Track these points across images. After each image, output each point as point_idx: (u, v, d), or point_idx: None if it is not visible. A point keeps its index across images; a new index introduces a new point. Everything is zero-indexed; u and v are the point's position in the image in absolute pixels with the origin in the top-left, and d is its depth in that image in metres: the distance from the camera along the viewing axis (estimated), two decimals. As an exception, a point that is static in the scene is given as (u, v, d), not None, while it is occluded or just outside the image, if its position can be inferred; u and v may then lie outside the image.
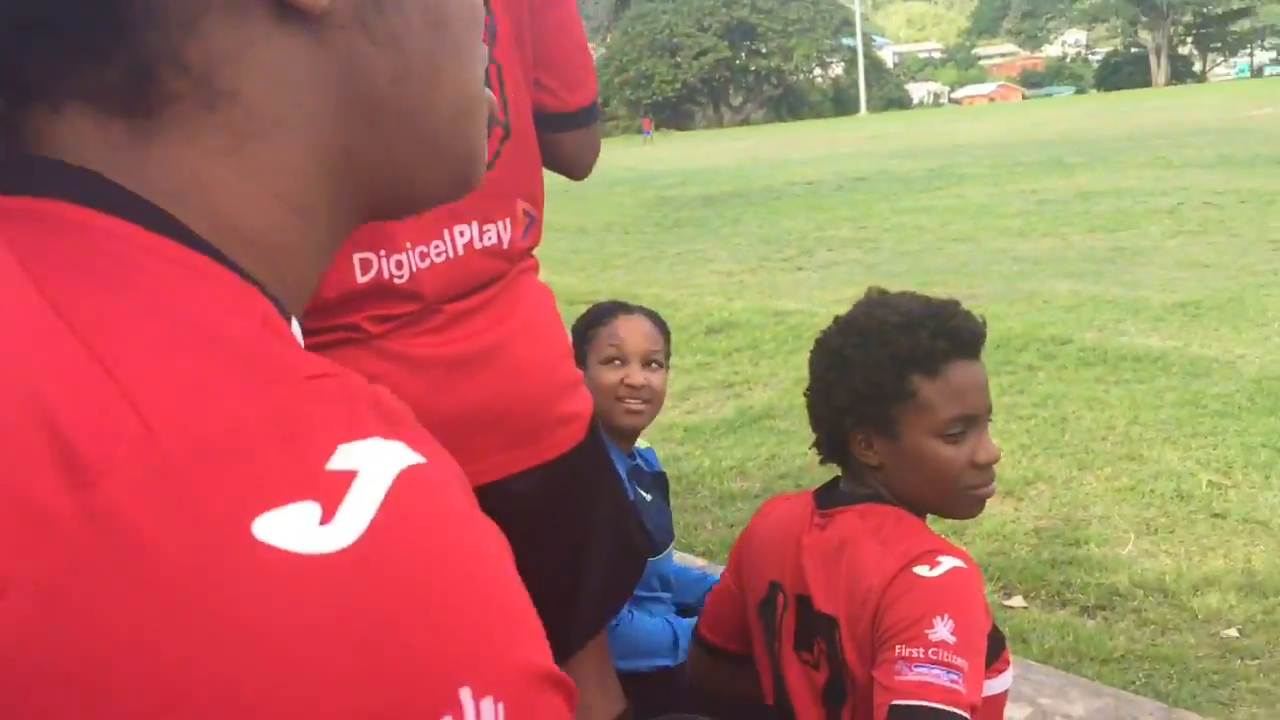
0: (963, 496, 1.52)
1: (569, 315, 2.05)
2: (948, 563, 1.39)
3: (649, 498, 2.25)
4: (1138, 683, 2.77)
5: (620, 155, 32.43)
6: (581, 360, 2.16)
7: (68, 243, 0.39)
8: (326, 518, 0.34)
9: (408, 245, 1.39)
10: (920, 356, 1.48)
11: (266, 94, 0.44)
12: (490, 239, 1.46)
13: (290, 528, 0.33)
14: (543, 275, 1.64)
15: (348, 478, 0.35)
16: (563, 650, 1.52)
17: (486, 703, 0.34)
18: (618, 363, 2.19)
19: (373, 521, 0.34)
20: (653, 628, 2.14)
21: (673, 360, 2.44)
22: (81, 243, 0.40)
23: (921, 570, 1.39)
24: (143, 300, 0.38)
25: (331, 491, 0.34)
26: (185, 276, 0.40)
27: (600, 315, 2.28)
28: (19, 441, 0.34)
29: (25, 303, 0.37)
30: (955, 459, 1.49)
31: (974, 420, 1.50)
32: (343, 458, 0.35)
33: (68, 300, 0.37)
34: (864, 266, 9.27)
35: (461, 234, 1.43)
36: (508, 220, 1.48)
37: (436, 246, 1.41)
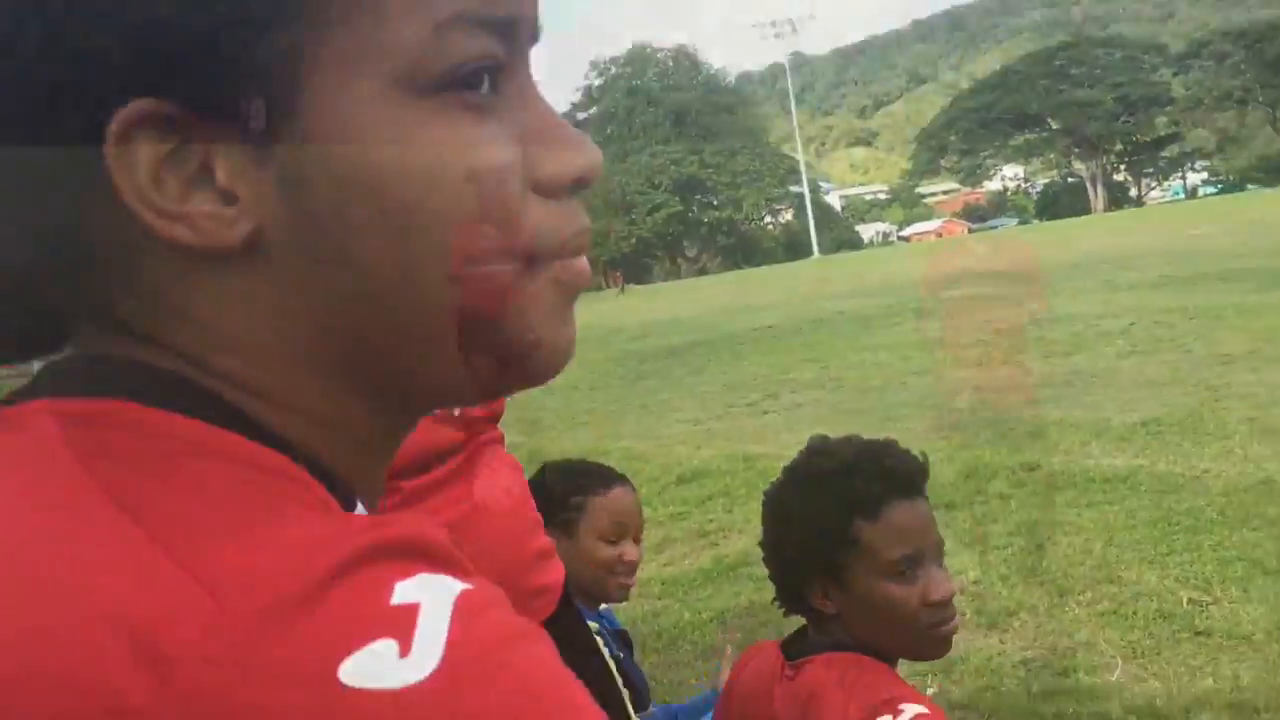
0: (924, 636, 1.50)
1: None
2: (910, 710, 1.37)
3: (621, 655, 2.20)
4: (1141, 814, 2.71)
5: (580, 313, 32.72)
6: (566, 526, 2.06)
7: (126, 439, 0.41)
8: (404, 651, 0.35)
9: None
10: (859, 501, 1.49)
11: (219, 317, 0.44)
12: None
13: (375, 667, 0.34)
14: (510, 437, 1.64)
15: (413, 610, 0.36)
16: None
17: None
18: (615, 538, 2.10)
19: (446, 645, 0.36)
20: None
21: (646, 512, 2.43)
22: (138, 438, 0.41)
23: None
24: (199, 490, 0.40)
25: (403, 626, 0.36)
26: (240, 471, 0.42)
27: (593, 484, 2.15)
28: (98, 645, 0.35)
29: (94, 503, 0.39)
30: (908, 600, 1.48)
31: (921, 559, 1.50)
32: (402, 594, 0.37)
33: (131, 496, 0.39)
34: (828, 406, 9.34)
35: None
36: None
37: None
